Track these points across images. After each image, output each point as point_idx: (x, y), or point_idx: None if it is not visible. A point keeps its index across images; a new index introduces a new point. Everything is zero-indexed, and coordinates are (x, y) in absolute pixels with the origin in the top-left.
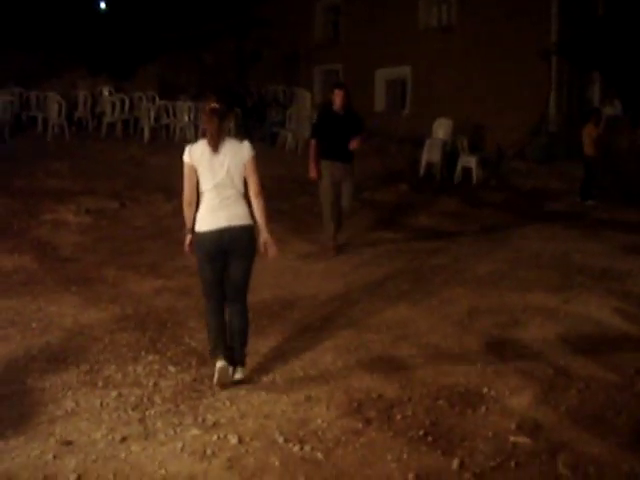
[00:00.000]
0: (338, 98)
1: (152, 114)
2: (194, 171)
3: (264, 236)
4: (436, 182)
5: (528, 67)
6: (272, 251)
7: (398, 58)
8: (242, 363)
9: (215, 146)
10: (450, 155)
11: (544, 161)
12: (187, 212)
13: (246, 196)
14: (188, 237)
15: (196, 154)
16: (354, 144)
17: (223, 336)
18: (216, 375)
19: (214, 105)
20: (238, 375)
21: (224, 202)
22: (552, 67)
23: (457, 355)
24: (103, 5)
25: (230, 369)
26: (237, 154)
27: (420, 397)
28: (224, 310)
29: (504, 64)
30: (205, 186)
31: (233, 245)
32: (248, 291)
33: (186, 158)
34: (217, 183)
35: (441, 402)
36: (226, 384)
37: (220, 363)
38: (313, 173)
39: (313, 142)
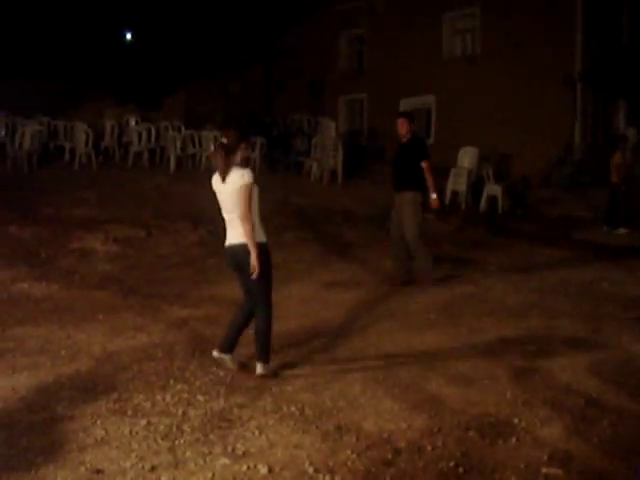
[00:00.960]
0: (401, 127)
1: (178, 143)
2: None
3: (252, 256)
4: (462, 211)
5: (553, 95)
6: (254, 273)
7: (422, 87)
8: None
9: (222, 176)
10: (475, 184)
11: (570, 189)
12: None
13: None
14: None
15: (214, 182)
16: (434, 202)
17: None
18: None
19: (222, 140)
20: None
21: (229, 223)
22: (577, 95)
23: (486, 385)
24: (129, 36)
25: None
26: (236, 182)
27: (450, 428)
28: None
29: (528, 92)
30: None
31: (236, 260)
32: (265, 298)
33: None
34: (224, 208)
35: (471, 433)
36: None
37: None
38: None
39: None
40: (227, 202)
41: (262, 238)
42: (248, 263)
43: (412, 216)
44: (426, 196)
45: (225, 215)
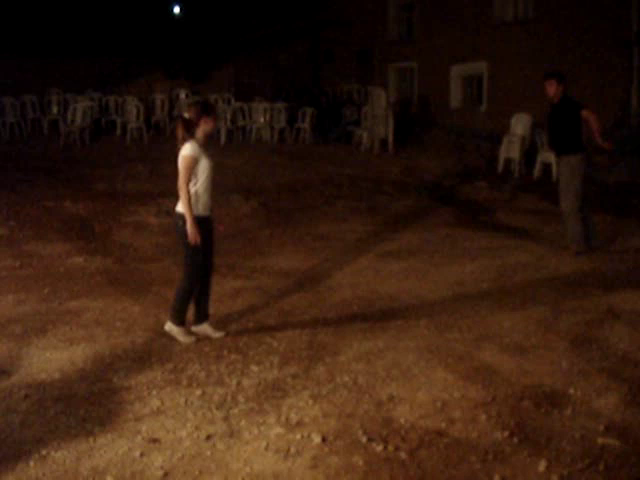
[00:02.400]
0: (550, 88)
1: (228, 116)
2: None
3: (187, 224)
4: (515, 179)
5: (609, 58)
6: (190, 237)
7: (474, 53)
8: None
9: (178, 149)
10: (529, 151)
11: (627, 154)
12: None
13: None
14: (191, 225)
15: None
16: (600, 142)
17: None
18: None
19: (185, 115)
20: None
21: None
22: (633, 58)
23: (541, 355)
24: (177, 10)
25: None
26: (180, 154)
27: (504, 397)
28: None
29: (583, 56)
30: (199, 177)
31: (175, 226)
32: (191, 268)
33: (191, 152)
34: (207, 176)
35: (526, 402)
36: None
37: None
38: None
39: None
40: (212, 169)
41: (201, 212)
42: (182, 231)
43: (569, 182)
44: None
45: (206, 183)
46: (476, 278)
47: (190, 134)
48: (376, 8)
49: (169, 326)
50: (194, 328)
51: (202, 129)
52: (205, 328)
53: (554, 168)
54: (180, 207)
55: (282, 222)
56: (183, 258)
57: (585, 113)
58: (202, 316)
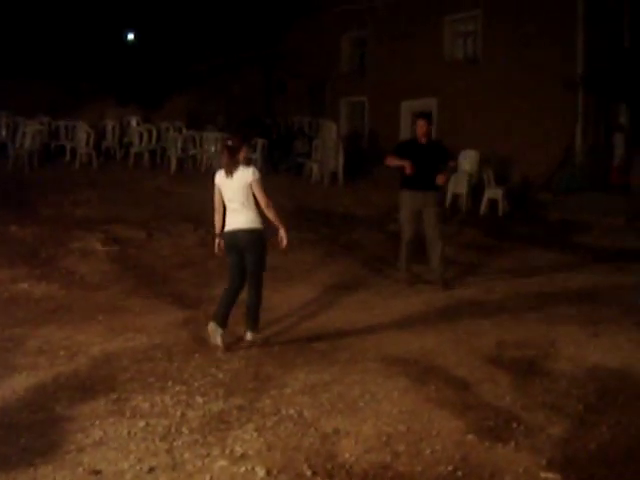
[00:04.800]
0: (420, 129)
1: (179, 144)
2: (219, 189)
3: (280, 232)
4: (462, 214)
5: (554, 99)
6: (283, 243)
7: (424, 90)
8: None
9: (229, 173)
10: (476, 187)
11: (570, 193)
12: (215, 219)
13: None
14: (217, 239)
15: (218, 178)
16: (440, 179)
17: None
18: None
19: (228, 143)
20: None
21: (233, 212)
22: (578, 98)
23: (485, 389)
24: (131, 36)
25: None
26: (246, 178)
27: (449, 431)
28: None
29: (530, 95)
30: (224, 199)
31: (237, 242)
32: (261, 277)
33: (215, 180)
34: (228, 199)
35: (470, 437)
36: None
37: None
38: (407, 165)
39: (388, 159)
40: (233, 194)
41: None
42: (251, 245)
43: (440, 216)
44: None
45: (229, 205)
46: (422, 311)
47: (235, 160)
48: (329, 42)
49: (251, 336)
50: (212, 326)
51: (242, 155)
52: (220, 333)
53: (500, 204)
54: (242, 224)
55: None
56: (252, 271)
57: (452, 164)
58: (224, 322)
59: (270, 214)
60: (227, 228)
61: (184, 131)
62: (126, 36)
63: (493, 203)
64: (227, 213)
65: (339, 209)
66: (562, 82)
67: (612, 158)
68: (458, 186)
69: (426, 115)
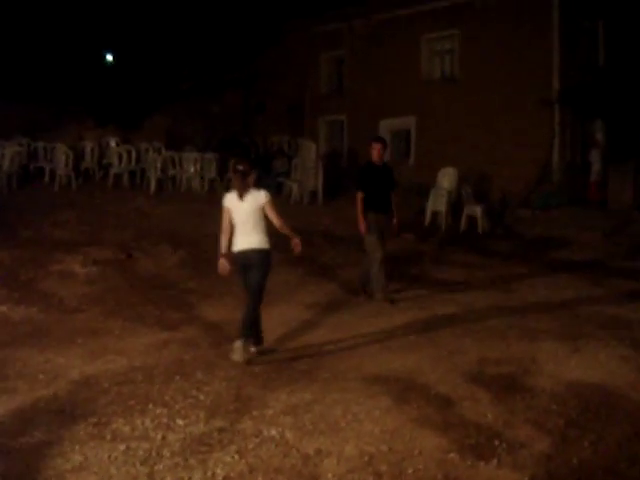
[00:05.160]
0: (375, 151)
1: (159, 165)
2: (228, 211)
3: (295, 240)
4: (441, 231)
5: (531, 116)
6: (298, 248)
7: (402, 109)
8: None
9: (241, 195)
10: (455, 204)
11: (548, 209)
12: (222, 239)
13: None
14: (221, 259)
15: (228, 200)
16: (395, 225)
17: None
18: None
19: (239, 167)
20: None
21: (243, 233)
22: (555, 115)
23: (467, 407)
24: (110, 57)
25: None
26: (258, 200)
27: (431, 450)
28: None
29: (507, 113)
30: (234, 221)
31: (247, 261)
32: (262, 293)
33: (223, 202)
34: (239, 220)
35: (452, 455)
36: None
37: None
38: (363, 227)
39: (360, 195)
40: (244, 215)
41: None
42: (260, 263)
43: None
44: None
45: (240, 226)
46: (404, 330)
47: (246, 184)
48: (308, 62)
49: (239, 343)
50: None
51: (251, 179)
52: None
53: (479, 221)
54: (252, 244)
55: (210, 273)
56: (255, 288)
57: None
58: (258, 337)
59: (285, 230)
60: (238, 248)
61: (163, 152)
62: (104, 57)
63: (472, 220)
64: (237, 234)
65: (319, 228)
66: (539, 100)
67: (589, 174)
68: (437, 203)
69: (379, 138)
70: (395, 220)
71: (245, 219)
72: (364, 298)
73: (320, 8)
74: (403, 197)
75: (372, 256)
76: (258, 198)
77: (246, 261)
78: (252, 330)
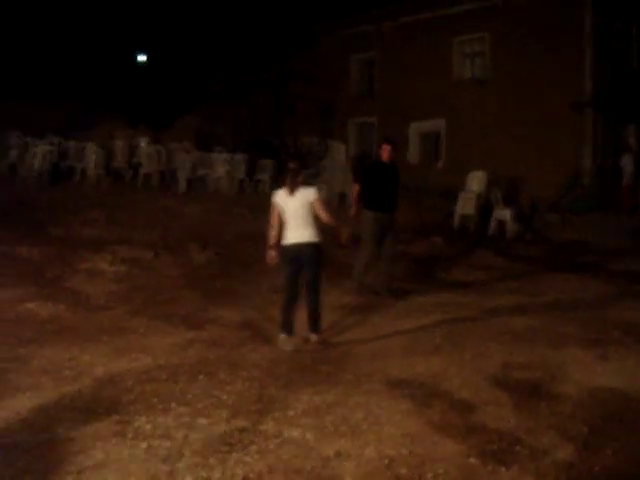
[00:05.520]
0: (385, 152)
1: (188, 165)
2: (277, 206)
3: (343, 229)
4: (470, 235)
5: (562, 119)
6: (344, 236)
7: (432, 111)
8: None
9: (291, 191)
10: (484, 208)
11: (579, 214)
12: (270, 232)
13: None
14: (269, 251)
15: (279, 196)
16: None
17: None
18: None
19: (291, 166)
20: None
21: (294, 227)
22: (586, 119)
23: (490, 411)
24: (143, 58)
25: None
26: (308, 196)
27: (452, 454)
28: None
29: (538, 117)
30: (285, 216)
31: (298, 254)
32: (320, 283)
33: (273, 198)
34: (290, 215)
35: (473, 460)
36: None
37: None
38: (353, 211)
39: (356, 187)
40: (294, 211)
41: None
42: (314, 257)
43: (397, 237)
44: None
45: (291, 221)
46: (429, 333)
47: (297, 181)
48: (338, 64)
49: (317, 337)
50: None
51: (301, 177)
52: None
53: (508, 225)
54: (304, 238)
55: (239, 272)
56: (314, 279)
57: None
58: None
59: (333, 223)
60: (289, 242)
61: (193, 152)
62: (138, 57)
63: (501, 224)
64: (288, 229)
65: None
66: (570, 103)
67: (621, 179)
68: (466, 207)
69: (389, 139)
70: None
71: (295, 214)
72: (388, 297)
73: (351, 10)
74: (432, 200)
75: (363, 251)
76: (308, 194)
77: (297, 254)
78: (319, 321)
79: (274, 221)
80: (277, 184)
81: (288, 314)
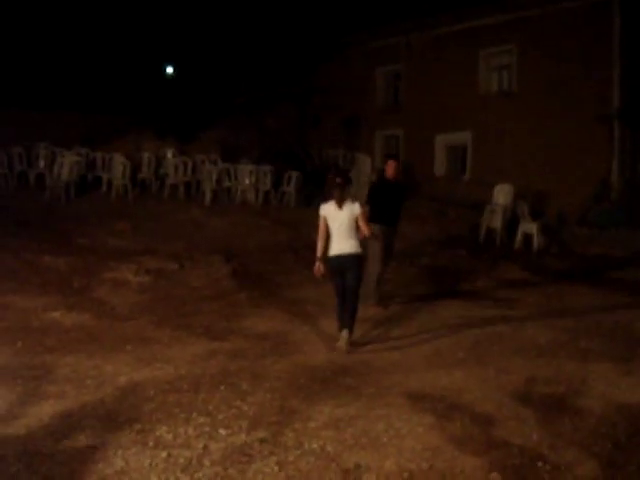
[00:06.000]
0: (390, 168)
1: (214, 177)
2: (325, 219)
3: (369, 231)
4: (496, 248)
5: (590, 132)
6: (366, 233)
7: (459, 123)
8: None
9: (340, 205)
10: (511, 221)
11: (606, 228)
12: (319, 244)
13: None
14: (317, 263)
15: (327, 209)
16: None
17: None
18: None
19: (338, 180)
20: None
21: (339, 238)
22: (614, 132)
23: (512, 426)
24: (170, 70)
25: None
26: (354, 210)
27: (473, 469)
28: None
29: (565, 129)
30: (332, 228)
31: (343, 263)
32: (359, 287)
33: (321, 211)
34: (336, 227)
35: (494, 475)
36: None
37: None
38: (368, 230)
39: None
40: (342, 222)
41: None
42: (355, 266)
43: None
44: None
45: (337, 232)
46: (452, 347)
47: (344, 195)
48: (364, 76)
49: (346, 333)
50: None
51: (348, 191)
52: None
53: (535, 239)
54: (348, 249)
55: (262, 285)
56: (354, 286)
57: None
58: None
59: (367, 231)
60: (335, 252)
61: (219, 163)
62: (165, 70)
63: (528, 237)
64: (334, 240)
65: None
66: (598, 115)
67: None
68: (493, 220)
69: (394, 155)
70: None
71: (341, 226)
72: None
73: (377, 23)
74: (458, 212)
75: (371, 268)
76: (354, 208)
77: (342, 264)
78: (354, 322)
79: (323, 233)
80: (320, 198)
81: (341, 316)
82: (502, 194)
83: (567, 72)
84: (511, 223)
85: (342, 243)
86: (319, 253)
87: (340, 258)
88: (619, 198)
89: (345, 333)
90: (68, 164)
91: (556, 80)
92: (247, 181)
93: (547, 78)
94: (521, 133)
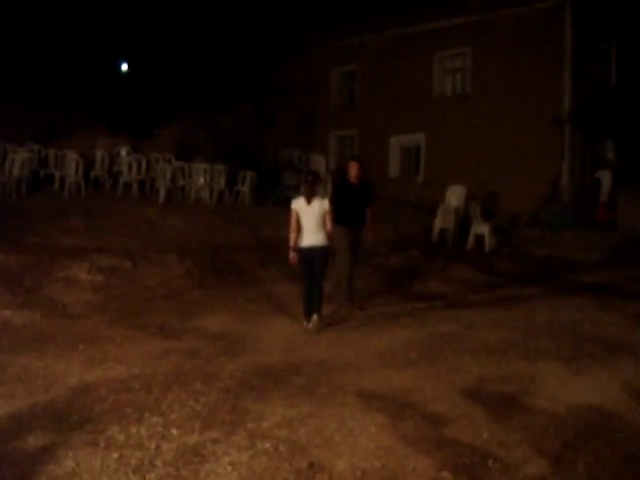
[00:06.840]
0: (353, 170)
1: (168, 175)
2: (297, 213)
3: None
4: (448, 249)
5: (541, 135)
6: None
7: (413, 125)
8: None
9: (308, 200)
10: (463, 222)
11: (557, 229)
12: (292, 236)
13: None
14: (292, 252)
15: (298, 204)
16: (370, 236)
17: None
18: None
19: (309, 178)
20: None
21: (309, 231)
22: (565, 135)
23: (463, 425)
24: (125, 67)
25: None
26: (322, 206)
27: (424, 468)
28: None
29: (517, 132)
30: (302, 222)
31: (312, 254)
32: (325, 275)
33: (292, 205)
34: (307, 221)
35: (445, 473)
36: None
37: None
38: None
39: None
40: (311, 217)
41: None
42: (322, 257)
43: (361, 249)
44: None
45: (307, 226)
46: (405, 346)
47: (313, 192)
48: (319, 76)
49: (317, 317)
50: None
51: (317, 188)
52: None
53: (487, 240)
54: (317, 241)
55: (216, 284)
56: (320, 275)
57: (371, 207)
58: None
59: (330, 232)
60: (305, 244)
61: (173, 162)
62: (120, 66)
63: (480, 238)
64: (304, 232)
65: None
66: (549, 119)
67: (598, 194)
68: (445, 221)
69: (357, 157)
70: (370, 233)
71: (311, 220)
72: (351, 308)
73: (333, 23)
74: (411, 213)
75: (339, 269)
76: (322, 204)
77: (311, 254)
78: (322, 306)
79: (294, 225)
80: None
81: (306, 303)
82: (455, 195)
83: (520, 76)
84: (463, 224)
85: (311, 236)
86: (292, 243)
87: (309, 250)
88: (569, 200)
89: (315, 317)
90: (19, 160)
91: (509, 83)
92: (201, 180)
93: (501, 81)
94: (474, 135)
